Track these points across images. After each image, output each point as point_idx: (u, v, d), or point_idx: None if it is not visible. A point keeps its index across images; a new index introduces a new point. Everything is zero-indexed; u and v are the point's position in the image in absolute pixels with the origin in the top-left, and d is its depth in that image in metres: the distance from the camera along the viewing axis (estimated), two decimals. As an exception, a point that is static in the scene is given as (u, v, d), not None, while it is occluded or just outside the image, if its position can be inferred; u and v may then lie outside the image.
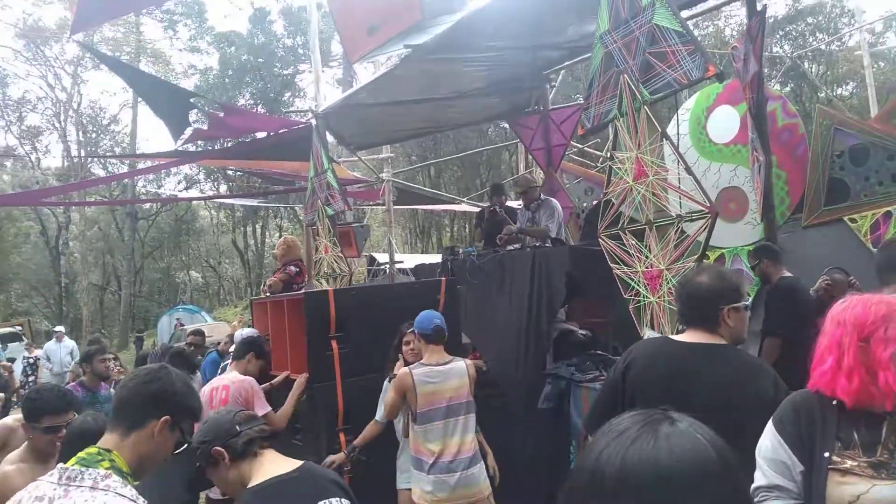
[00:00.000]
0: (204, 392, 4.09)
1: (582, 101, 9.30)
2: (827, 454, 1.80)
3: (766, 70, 5.90)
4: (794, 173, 6.62)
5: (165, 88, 7.39)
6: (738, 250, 6.79)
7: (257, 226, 34.49)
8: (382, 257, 12.72)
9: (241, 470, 1.96)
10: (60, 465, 1.65)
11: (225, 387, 3.99)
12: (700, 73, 3.25)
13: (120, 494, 1.56)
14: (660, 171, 3.53)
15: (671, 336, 2.74)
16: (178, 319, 21.08)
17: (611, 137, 3.87)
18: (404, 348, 3.99)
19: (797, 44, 25.72)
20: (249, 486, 1.88)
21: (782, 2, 26.60)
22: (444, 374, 3.67)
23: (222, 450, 1.95)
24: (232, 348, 6.06)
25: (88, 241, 29.95)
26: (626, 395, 2.45)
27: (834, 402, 1.83)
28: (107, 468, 1.62)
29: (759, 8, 4.95)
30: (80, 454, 1.68)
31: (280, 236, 36.06)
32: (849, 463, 1.78)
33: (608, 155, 3.91)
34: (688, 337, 2.43)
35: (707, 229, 3.30)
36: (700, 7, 5.38)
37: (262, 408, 4.06)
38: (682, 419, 0.87)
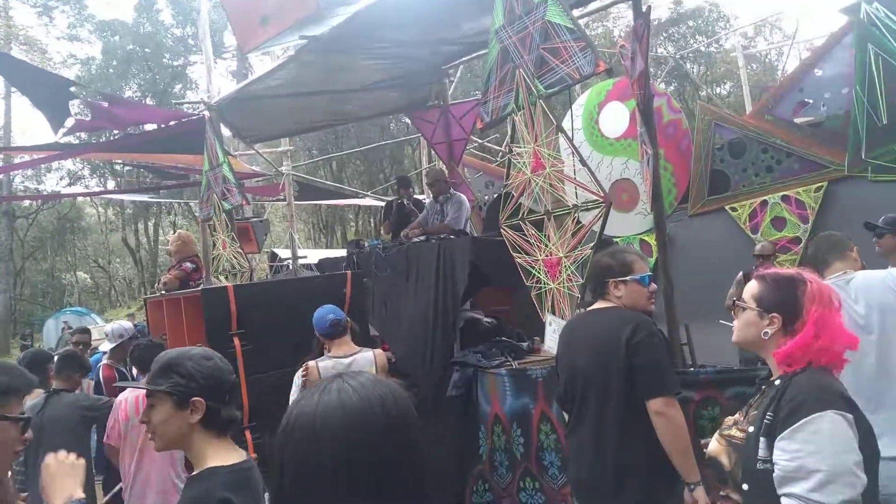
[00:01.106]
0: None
1: (476, 98, 9.49)
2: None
3: (651, 69, 6.23)
4: (680, 166, 7.04)
5: (41, 77, 6.91)
6: (630, 238, 7.15)
7: (149, 223, 32.88)
8: (285, 253, 12.48)
9: (202, 439, 1.77)
10: None
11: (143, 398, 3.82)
12: (591, 69, 3.40)
13: None
14: (556, 163, 3.66)
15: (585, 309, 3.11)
16: (65, 322, 19.78)
17: (509, 131, 3.97)
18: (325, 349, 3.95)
19: (679, 45, 27.25)
20: (216, 465, 1.72)
21: (665, 5, 28.09)
22: (350, 366, 3.67)
23: (203, 404, 1.75)
24: (104, 346, 5.81)
25: (-41, 243, 27.55)
26: (558, 372, 2.97)
27: None
28: None
29: (643, 9, 5.21)
30: None
31: (175, 233, 34.57)
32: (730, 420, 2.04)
33: (507, 148, 4.01)
34: (593, 307, 2.87)
35: (602, 217, 3.47)
36: (590, 6, 5.59)
37: None
38: (349, 381, 1.08)
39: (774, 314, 1.84)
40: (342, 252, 13.11)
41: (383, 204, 16.31)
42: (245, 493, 1.69)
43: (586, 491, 2.77)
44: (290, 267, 9.19)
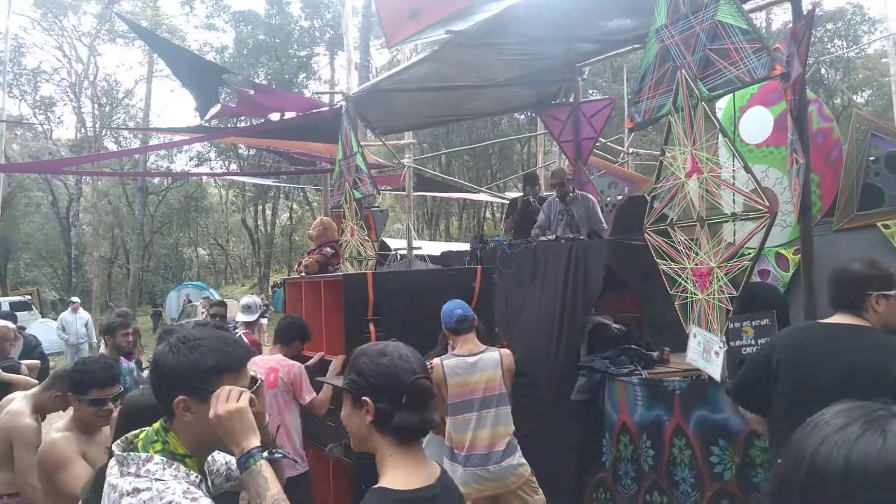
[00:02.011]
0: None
1: (606, 97, 9.29)
2: None
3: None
4: (827, 177, 6.59)
5: (197, 62, 7.37)
6: (765, 251, 6.77)
7: (267, 206, 34.49)
8: (393, 243, 12.71)
9: (383, 445, 1.60)
10: (118, 447, 1.62)
11: (273, 369, 3.98)
12: (765, 72, 3.23)
13: (158, 479, 1.51)
14: (714, 167, 3.51)
15: (818, 321, 2.84)
16: (187, 295, 21.13)
17: (638, 132, 3.84)
18: (448, 344, 3.98)
19: (816, 49, 25.61)
20: (390, 486, 1.53)
21: (807, 8, 26.46)
22: (474, 365, 3.65)
23: (371, 404, 1.58)
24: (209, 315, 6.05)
25: (99, 214, 29.96)
26: (771, 372, 2.66)
27: None
28: (157, 450, 1.58)
29: (805, 11, 4.91)
30: (146, 432, 1.66)
31: (290, 217, 36.14)
32: None
33: (660, 150, 3.89)
34: (833, 319, 2.61)
35: (764, 228, 3.30)
36: (749, 5, 5.34)
37: (309, 393, 4.07)
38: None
39: None
40: (450, 245, 13.16)
41: (492, 200, 16.39)
42: None
43: None
44: (406, 257, 9.33)
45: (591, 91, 23.54)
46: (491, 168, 30.52)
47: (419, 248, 10.64)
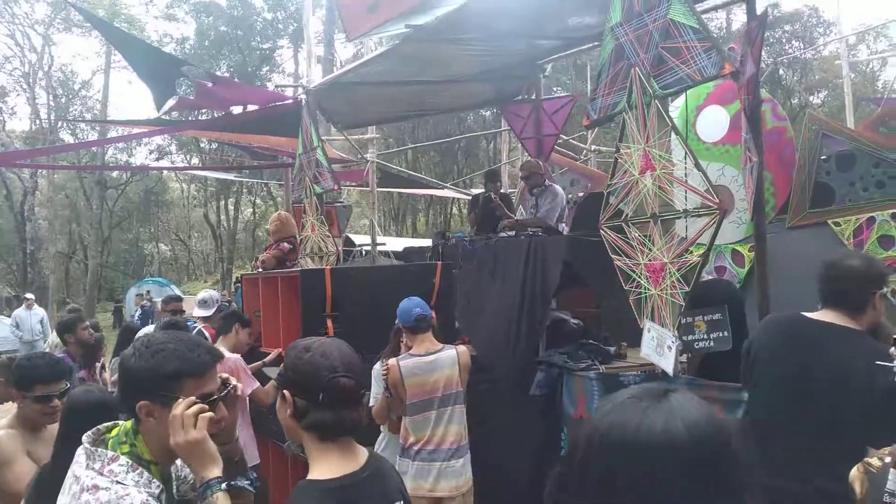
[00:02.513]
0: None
1: (568, 94, 9.37)
2: None
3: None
4: (781, 175, 6.75)
5: (156, 55, 7.22)
6: (722, 248, 6.91)
7: (230, 201, 34.02)
8: (358, 238, 12.64)
9: (308, 440, 1.64)
10: (88, 438, 1.61)
11: None
12: (715, 71, 3.28)
13: (119, 482, 1.50)
14: (667, 165, 3.56)
15: (804, 313, 2.69)
16: (147, 291, 20.70)
17: (600, 129, 3.89)
18: (401, 341, 3.96)
19: (773, 50, 26.15)
20: (314, 478, 1.58)
21: (760, 8, 26.97)
22: (432, 364, 3.63)
23: (290, 398, 1.63)
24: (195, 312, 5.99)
25: (55, 208, 29.20)
26: (749, 364, 2.64)
27: None
28: (125, 452, 1.57)
29: (759, 11, 5.01)
30: (118, 429, 1.64)
31: (253, 212, 35.72)
32: None
33: (615, 147, 3.93)
34: (823, 316, 2.48)
35: (714, 225, 3.36)
36: (703, 6, 5.42)
37: (249, 385, 4.03)
38: (675, 398, 0.98)
39: None
40: (415, 241, 13.16)
41: (457, 196, 16.43)
42: None
43: None
44: (370, 253, 9.29)
45: (555, 88, 23.74)
46: (457, 164, 30.56)
47: (383, 244, 10.61)
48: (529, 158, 6.87)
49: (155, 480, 1.57)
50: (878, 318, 2.47)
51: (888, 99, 8.47)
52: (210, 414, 1.59)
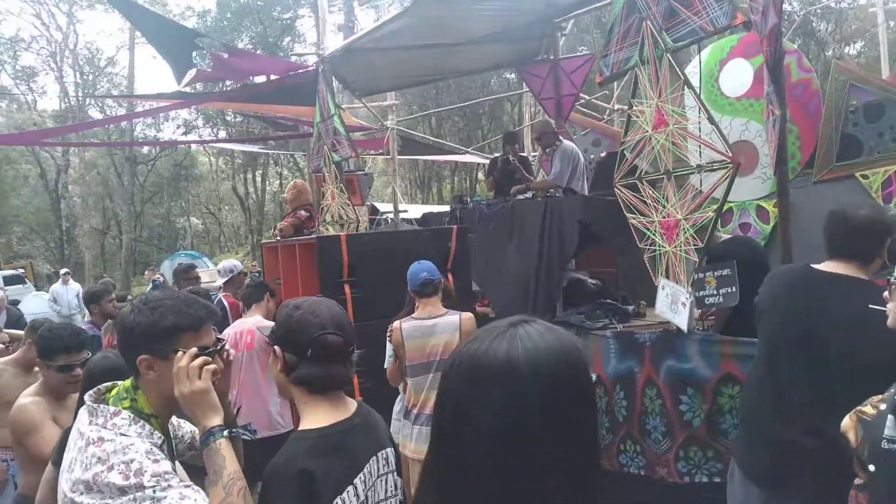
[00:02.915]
0: (227, 335, 4.12)
1: (588, 52, 9.18)
2: None
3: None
4: (806, 129, 6.57)
5: (169, 28, 7.24)
6: (746, 204, 6.79)
7: (257, 173, 34.26)
8: (384, 207, 12.70)
9: (298, 395, 1.71)
10: (90, 397, 1.67)
11: (250, 331, 4.00)
12: (727, 21, 3.20)
13: (122, 434, 1.55)
14: (680, 120, 3.50)
15: (812, 265, 2.65)
16: (179, 264, 21.07)
17: (621, 88, 3.82)
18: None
19: (806, 0, 25.22)
20: (305, 427, 1.65)
21: (787, -45, 25.90)
22: (431, 329, 3.62)
23: (280, 353, 1.72)
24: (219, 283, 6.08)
25: (88, 185, 29.74)
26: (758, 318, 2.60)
27: None
28: (126, 406, 1.62)
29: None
30: (118, 387, 1.71)
31: (281, 184, 35.96)
32: None
33: (627, 104, 3.86)
34: (831, 267, 2.48)
35: (728, 179, 3.30)
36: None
37: None
38: (525, 327, 0.98)
39: None
40: (441, 208, 13.16)
41: (482, 161, 16.31)
42: (333, 460, 1.60)
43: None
44: (390, 220, 9.32)
45: (580, 47, 23.22)
46: (481, 129, 30.28)
47: (405, 211, 10.62)
48: (540, 119, 6.77)
49: (156, 432, 1.62)
50: (877, 269, 2.46)
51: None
52: (214, 365, 1.65)
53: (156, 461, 1.52)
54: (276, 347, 1.71)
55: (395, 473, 1.81)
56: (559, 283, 4.96)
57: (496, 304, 5.43)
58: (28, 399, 2.91)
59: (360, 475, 1.65)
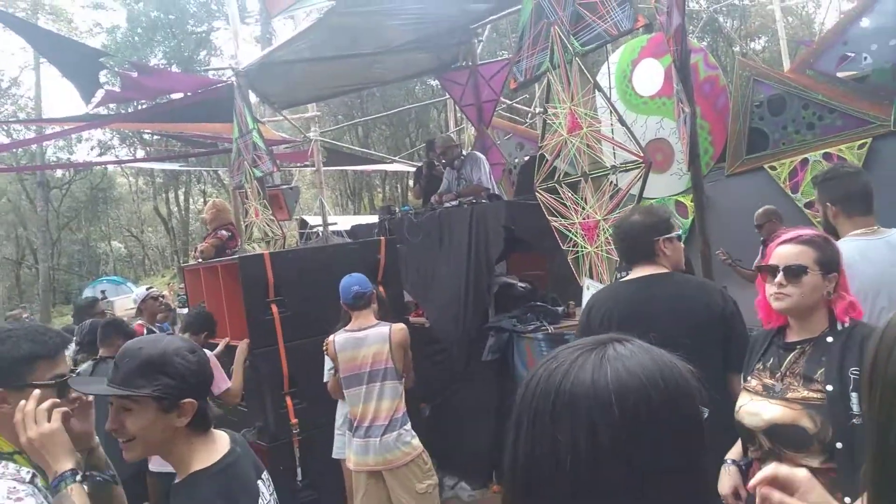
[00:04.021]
0: None
1: (506, 58, 9.31)
2: (745, 375, 2.09)
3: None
4: (717, 124, 6.84)
5: (71, 47, 6.92)
6: (665, 200, 7.01)
7: (179, 192, 33.26)
8: (314, 220, 12.53)
9: (186, 442, 1.56)
10: None
11: None
12: (629, 24, 3.29)
13: None
14: (593, 122, 3.57)
15: (620, 280, 2.81)
16: (102, 292, 20.18)
17: (542, 91, 3.88)
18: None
19: (712, -1, 26.38)
20: (200, 467, 1.54)
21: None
22: (362, 340, 3.61)
23: (194, 405, 1.55)
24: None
25: (-3, 214, 28.21)
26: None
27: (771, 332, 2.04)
28: None
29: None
30: None
31: (205, 201, 35.01)
32: (753, 382, 2.04)
33: (542, 108, 3.92)
34: (634, 274, 2.60)
35: (641, 179, 3.39)
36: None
37: (224, 382, 3.97)
38: (626, 345, 0.88)
39: (834, 273, 1.89)
40: (371, 218, 13.08)
41: (411, 169, 16.33)
42: (239, 495, 1.55)
43: None
44: (321, 234, 9.21)
45: (500, 52, 23.56)
46: (409, 136, 30.28)
47: (335, 223, 10.51)
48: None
49: (24, 468, 1.53)
50: (678, 261, 2.60)
51: (809, 41, 8.62)
52: (65, 409, 1.55)
53: (18, 500, 1.43)
54: (188, 401, 1.53)
55: (275, 495, 1.77)
56: (489, 288, 4.99)
57: (430, 313, 5.42)
58: None
59: (261, 500, 1.62)
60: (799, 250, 1.91)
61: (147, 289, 5.36)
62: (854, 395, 1.75)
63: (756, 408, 1.97)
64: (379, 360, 3.58)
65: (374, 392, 3.58)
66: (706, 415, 0.87)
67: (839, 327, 1.89)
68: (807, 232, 1.98)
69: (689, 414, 0.85)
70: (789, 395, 1.94)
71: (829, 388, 1.82)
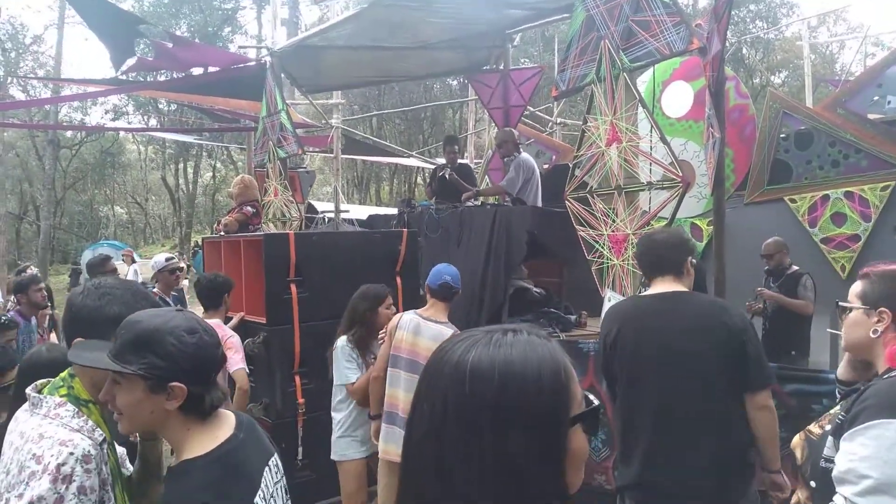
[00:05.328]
0: None
1: (536, 65, 9.36)
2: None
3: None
4: (741, 152, 6.90)
5: (112, 12, 6.92)
6: (682, 221, 7.06)
7: (188, 164, 33.23)
8: (321, 206, 12.54)
9: (180, 426, 1.47)
10: (32, 389, 1.64)
11: None
12: (683, 46, 3.32)
13: (65, 425, 1.53)
14: (633, 137, 3.61)
15: (639, 294, 2.85)
16: (94, 256, 20.14)
17: (566, 101, 3.91)
18: (382, 308, 3.88)
19: (738, 29, 26.44)
20: (194, 455, 1.44)
21: (729, -15, 27.09)
22: (424, 330, 3.57)
23: (183, 390, 1.44)
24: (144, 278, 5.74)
25: (5, 167, 28.12)
26: (615, 353, 2.61)
27: None
28: (63, 394, 1.60)
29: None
30: (54, 380, 1.66)
31: (213, 176, 35.01)
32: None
33: (582, 119, 3.96)
34: (653, 290, 2.62)
35: (677, 198, 3.42)
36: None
37: (240, 363, 3.90)
38: (516, 335, 0.93)
39: (883, 309, 1.73)
40: (378, 209, 13.05)
41: (423, 165, 16.36)
42: (230, 485, 1.43)
43: (670, 493, 2.43)
44: (333, 220, 9.23)
45: (522, 60, 23.62)
46: (423, 133, 30.31)
47: (347, 211, 10.53)
48: (504, 127, 6.83)
49: (98, 429, 1.58)
50: (691, 283, 2.64)
51: (844, 81, 8.67)
52: None
53: (87, 472, 1.49)
54: (175, 385, 1.42)
55: (284, 478, 1.67)
56: (505, 290, 5.02)
57: (441, 309, 5.44)
58: None
59: (260, 492, 1.49)
60: (853, 286, 1.86)
61: (167, 259, 5.27)
62: (830, 439, 1.71)
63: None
64: (425, 355, 3.56)
65: (410, 383, 3.56)
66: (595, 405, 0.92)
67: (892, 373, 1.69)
68: (875, 266, 1.85)
69: (544, 411, 0.87)
70: (811, 425, 1.98)
71: (827, 427, 1.80)
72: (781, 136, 6.53)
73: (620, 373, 2.62)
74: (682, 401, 2.43)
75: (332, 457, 3.89)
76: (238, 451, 1.48)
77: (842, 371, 2.03)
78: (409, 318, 3.65)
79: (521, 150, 6.18)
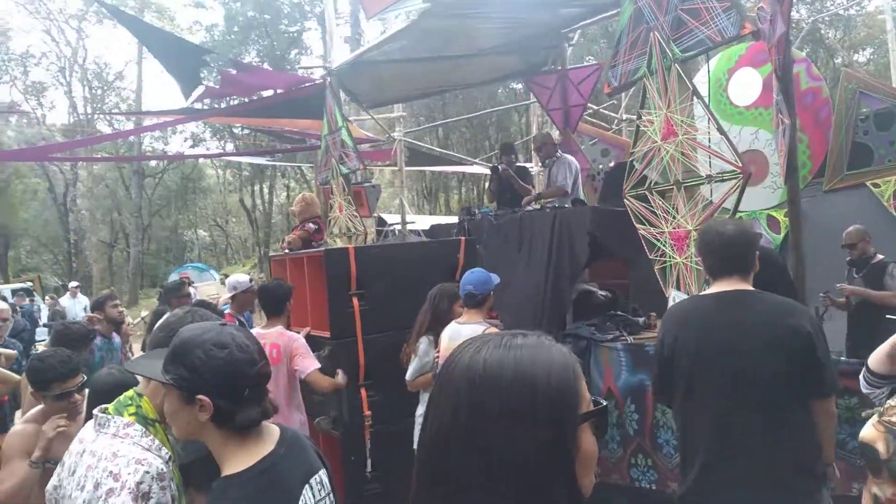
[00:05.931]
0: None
1: (596, 62, 9.19)
2: None
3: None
4: (816, 137, 6.54)
5: (177, 44, 7.28)
6: (757, 213, 6.76)
7: (264, 185, 34.42)
8: (391, 218, 12.71)
9: (218, 439, 1.48)
10: (99, 409, 1.70)
11: (274, 344, 3.91)
12: (735, 31, 3.18)
13: (137, 444, 1.60)
14: (689, 130, 3.48)
15: (699, 294, 2.69)
16: (187, 277, 21.12)
17: (632, 96, 3.80)
18: (456, 307, 3.94)
19: (814, 8, 25.17)
20: (230, 472, 1.44)
21: (793, -37, 25.87)
22: (458, 334, 3.61)
23: (209, 404, 1.43)
24: (224, 298, 5.93)
25: (96, 199, 29.96)
26: (673, 358, 2.46)
27: None
28: (132, 413, 1.66)
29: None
30: (121, 398, 1.73)
31: (287, 195, 36.14)
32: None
33: (636, 115, 3.84)
34: (717, 288, 2.44)
35: (738, 190, 3.27)
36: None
37: (312, 364, 3.96)
38: (522, 339, 0.93)
39: None
40: (448, 219, 13.14)
41: (487, 171, 16.37)
42: (265, 498, 1.43)
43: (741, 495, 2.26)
44: (397, 232, 9.33)
45: (587, 57, 23.22)
46: (489, 139, 30.32)
47: (413, 222, 10.63)
48: (540, 131, 6.80)
49: (164, 448, 1.65)
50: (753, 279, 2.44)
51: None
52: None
53: (163, 489, 1.56)
54: (201, 398, 1.43)
55: (332, 495, 1.63)
56: (568, 294, 4.93)
57: (505, 316, 5.38)
58: (19, 427, 2.81)
59: None
60: None
61: (251, 280, 5.36)
62: None
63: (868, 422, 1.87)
64: None
65: None
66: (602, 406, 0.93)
67: None
68: None
69: (553, 410, 0.88)
70: (886, 416, 1.84)
71: None
72: (860, 117, 6.15)
73: (679, 378, 2.46)
74: (744, 407, 2.27)
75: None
76: (276, 467, 1.47)
77: (881, 363, 1.88)
78: (449, 327, 3.73)
79: (560, 150, 6.23)
